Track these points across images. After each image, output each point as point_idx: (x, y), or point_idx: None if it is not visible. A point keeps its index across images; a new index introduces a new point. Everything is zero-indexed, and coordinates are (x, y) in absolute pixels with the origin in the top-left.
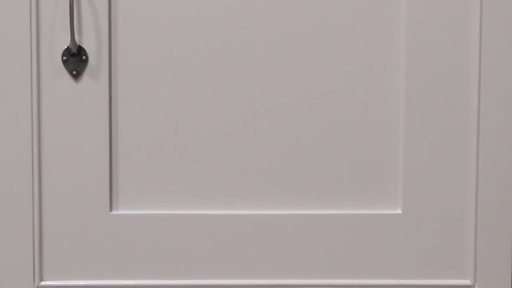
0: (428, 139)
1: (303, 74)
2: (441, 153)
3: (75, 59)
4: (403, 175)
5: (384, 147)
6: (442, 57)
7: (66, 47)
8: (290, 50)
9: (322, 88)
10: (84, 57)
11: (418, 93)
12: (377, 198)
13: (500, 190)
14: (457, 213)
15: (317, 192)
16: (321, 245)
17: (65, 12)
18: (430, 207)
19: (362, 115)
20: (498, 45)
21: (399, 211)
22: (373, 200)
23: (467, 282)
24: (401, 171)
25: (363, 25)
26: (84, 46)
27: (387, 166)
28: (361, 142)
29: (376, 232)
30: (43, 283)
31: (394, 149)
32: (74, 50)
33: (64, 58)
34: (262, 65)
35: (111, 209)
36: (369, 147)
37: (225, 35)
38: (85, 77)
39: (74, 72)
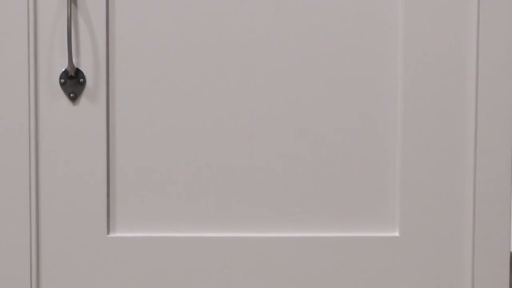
0: (425, 162)
1: (300, 98)
2: (438, 176)
3: (72, 82)
4: (401, 197)
5: (381, 169)
6: (438, 80)
7: (63, 69)
8: (288, 75)
9: (319, 112)
10: (81, 80)
11: (414, 116)
12: (374, 220)
13: (497, 213)
14: (455, 235)
15: (314, 214)
16: (319, 268)
17: (63, 35)
18: (428, 230)
19: (359, 138)
20: (495, 63)
21: (397, 233)
22: (370, 223)
23: None
24: (398, 193)
25: (360, 56)
26: (82, 68)
27: (385, 188)
28: (359, 165)
29: (373, 255)
30: None
31: (392, 171)
32: (71, 73)
33: (62, 80)
34: (260, 94)
35: (108, 232)
36: (366, 169)
37: (224, 59)
38: (83, 99)
39: (71, 94)
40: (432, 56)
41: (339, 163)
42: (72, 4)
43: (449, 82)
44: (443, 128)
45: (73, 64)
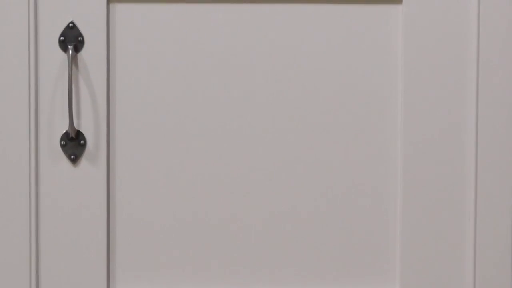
0: (425, 216)
1: (297, 157)
2: (439, 231)
3: (73, 144)
4: (401, 251)
5: (382, 224)
6: (437, 148)
7: (64, 131)
8: (289, 134)
9: (319, 170)
10: (82, 142)
11: (414, 176)
12: (375, 274)
13: (497, 271)
14: None
15: (315, 268)
16: None
17: (63, 97)
18: (428, 284)
19: (360, 192)
20: (494, 131)
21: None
22: (371, 277)
23: None
24: (399, 247)
25: (359, 120)
26: (83, 130)
27: (385, 242)
28: (359, 219)
29: None
30: None
31: (392, 226)
32: (72, 135)
33: (63, 142)
34: (258, 151)
35: None
36: (367, 224)
37: (222, 123)
38: (83, 161)
39: (72, 156)
40: (431, 135)
41: (340, 218)
42: (73, 66)
43: (447, 147)
44: (442, 186)
45: (73, 126)
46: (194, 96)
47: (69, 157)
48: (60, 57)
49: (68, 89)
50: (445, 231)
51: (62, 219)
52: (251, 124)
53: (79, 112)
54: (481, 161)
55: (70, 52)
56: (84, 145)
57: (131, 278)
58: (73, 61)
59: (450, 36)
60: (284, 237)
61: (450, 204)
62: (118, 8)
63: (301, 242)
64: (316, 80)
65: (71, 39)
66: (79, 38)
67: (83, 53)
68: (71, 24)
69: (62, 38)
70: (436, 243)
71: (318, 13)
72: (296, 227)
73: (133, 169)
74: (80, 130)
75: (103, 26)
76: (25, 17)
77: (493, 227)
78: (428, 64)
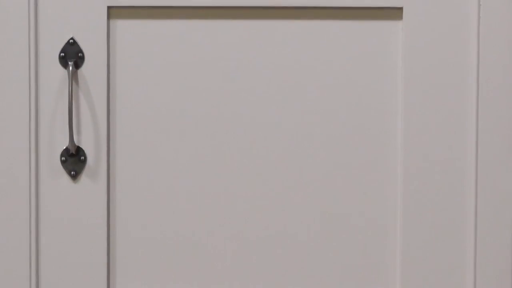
0: (426, 232)
1: (299, 179)
2: (439, 247)
3: (73, 160)
4: (401, 269)
5: (382, 240)
6: (437, 170)
7: (64, 147)
8: (288, 158)
9: (320, 190)
10: (82, 158)
11: (414, 186)
12: (375, 283)
13: (498, 270)
14: None
15: (314, 280)
16: None
17: (64, 113)
18: None
19: (361, 207)
20: (495, 138)
21: None
22: (371, 284)
23: None
24: (399, 264)
25: (360, 136)
26: (83, 146)
27: (385, 259)
28: (359, 236)
29: None
30: None
31: (392, 242)
32: (72, 151)
33: (63, 158)
34: (257, 162)
35: None
36: (366, 241)
37: (222, 136)
38: (84, 177)
39: (72, 172)
40: (431, 145)
41: (339, 236)
42: (74, 82)
43: (447, 155)
44: (441, 201)
45: (74, 142)
46: (195, 112)
47: (69, 173)
48: (60, 73)
49: (68, 105)
50: (445, 236)
51: (63, 235)
52: (250, 140)
53: (79, 128)
54: (481, 164)
55: (71, 68)
56: (84, 161)
57: None
58: (73, 77)
59: (450, 52)
60: (284, 238)
61: (450, 208)
62: (118, 24)
63: (301, 258)
64: (317, 95)
65: (72, 55)
66: (79, 54)
67: (83, 69)
68: (71, 40)
69: (62, 54)
70: (436, 250)
71: (319, 29)
72: (296, 242)
73: (133, 185)
74: (80, 146)
75: (104, 42)
76: (25, 33)
77: (494, 231)
78: (428, 79)
